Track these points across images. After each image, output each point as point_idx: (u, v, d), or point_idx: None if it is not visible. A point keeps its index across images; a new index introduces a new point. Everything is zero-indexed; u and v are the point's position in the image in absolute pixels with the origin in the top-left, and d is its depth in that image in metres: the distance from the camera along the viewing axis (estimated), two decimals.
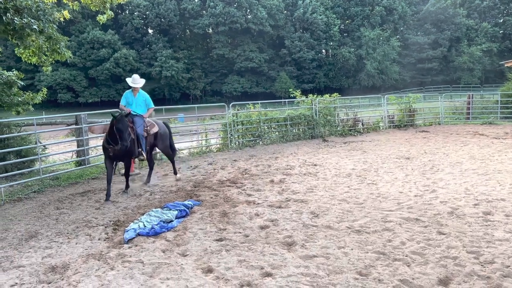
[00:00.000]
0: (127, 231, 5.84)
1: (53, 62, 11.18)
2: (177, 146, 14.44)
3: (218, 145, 14.71)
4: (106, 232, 5.98)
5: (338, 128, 17.70)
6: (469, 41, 69.62)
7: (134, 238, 5.67)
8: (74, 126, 11.23)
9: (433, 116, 21.54)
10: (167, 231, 5.98)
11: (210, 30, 67.19)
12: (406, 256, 4.88)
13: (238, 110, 16.09)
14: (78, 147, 11.16)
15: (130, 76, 8.92)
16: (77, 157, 11.32)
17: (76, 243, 5.57)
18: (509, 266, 4.52)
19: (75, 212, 7.15)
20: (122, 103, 8.63)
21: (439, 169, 9.79)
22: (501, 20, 71.74)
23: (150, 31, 66.44)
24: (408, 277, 4.35)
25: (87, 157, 10.85)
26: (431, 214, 6.44)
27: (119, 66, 57.90)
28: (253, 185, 8.84)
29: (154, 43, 62.59)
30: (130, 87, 8.81)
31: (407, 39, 69.78)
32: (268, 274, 4.47)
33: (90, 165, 10.85)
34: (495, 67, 66.16)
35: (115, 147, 7.65)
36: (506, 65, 33.84)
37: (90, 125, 11.38)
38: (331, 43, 69.80)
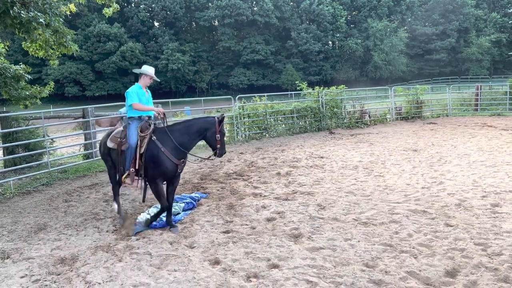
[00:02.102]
0: (137, 224, 5.89)
1: (60, 55, 11.21)
2: None
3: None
4: (114, 225, 6.03)
5: (345, 121, 17.62)
6: (478, 31, 68.72)
7: (142, 231, 5.72)
8: (81, 120, 11.29)
9: (441, 107, 21.35)
10: (175, 223, 6.01)
11: (216, 23, 66.99)
12: (413, 248, 4.87)
13: (244, 102, 16.06)
14: (85, 140, 11.23)
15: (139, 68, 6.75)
16: (84, 150, 11.40)
17: (85, 235, 5.63)
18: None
19: (83, 204, 7.22)
20: (134, 101, 6.08)
21: (446, 161, 9.72)
22: (511, 10, 70.66)
23: (156, 24, 66.39)
24: (415, 269, 4.34)
25: (95, 150, 10.92)
26: (439, 206, 6.41)
27: (126, 59, 58.02)
28: (259, 177, 8.85)
29: (160, 36, 62.58)
30: (136, 81, 7.06)
31: (414, 30, 69.01)
32: (275, 266, 4.48)
33: (97, 158, 10.91)
34: (504, 57, 65.39)
35: (210, 157, 6.27)
36: None
37: (97, 118, 11.44)
38: (338, 35, 69.30)
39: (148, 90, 6.37)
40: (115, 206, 6.28)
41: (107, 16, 11.54)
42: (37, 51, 10.48)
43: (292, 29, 65.64)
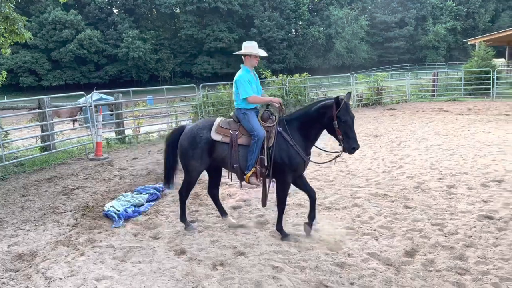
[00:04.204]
0: (109, 215, 5.75)
1: (12, 43, 10.65)
2: (146, 128, 14.29)
3: None
4: (75, 218, 5.85)
5: None
6: (434, 19, 70.93)
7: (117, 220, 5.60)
8: (37, 111, 10.81)
9: (400, 94, 22.00)
10: (139, 215, 5.91)
11: (178, 10, 65.55)
12: (374, 230, 5.04)
13: (208, 91, 15.92)
14: (42, 132, 10.78)
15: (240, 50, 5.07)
16: (41, 142, 10.95)
17: (44, 230, 5.43)
18: (471, 236, 4.74)
19: (42, 198, 6.95)
20: (250, 93, 4.88)
21: (405, 146, 10.06)
22: None
23: (115, 10, 64.15)
24: (376, 250, 4.49)
25: (53, 142, 10.51)
26: (398, 189, 6.64)
27: (84, 47, 55.82)
28: None
29: (119, 23, 60.53)
30: (240, 61, 5.21)
31: (374, 18, 70.36)
32: (241, 253, 4.51)
33: (55, 150, 10.52)
34: (459, 45, 67.92)
35: (338, 155, 4.88)
36: (469, 43, 34.82)
37: (54, 109, 11.00)
38: (301, 23, 69.53)
39: (255, 72, 5.18)
40: (190, 225, 5.29)
41: (62, 2, 11.05)
42: None
43: (255, 17, 65.29)
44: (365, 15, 68.73)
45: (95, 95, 13.32)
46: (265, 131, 4.75)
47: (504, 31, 30.87)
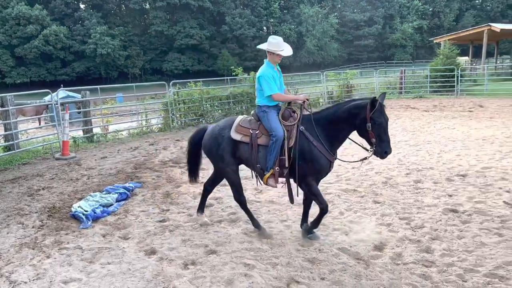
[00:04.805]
0: (77, 216, 5.59)
1: None
2: (115, 127, 14.00)
3: (159, 125, 14.36)
4: (40, 220, 5.66)
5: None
6: (402, 18, 72.69)
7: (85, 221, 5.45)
8: None
9: (369, 91, 22.42)
10: (108, 215, 5.79)
11: (147, 6, 64.43)
12: (344, 225, 5.12)
13: (179, 88, 15.73)
14: (5, 131, 10.38)
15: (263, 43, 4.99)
16: (4, 141, 10.54)
17: (8, 233, 5.23)
18: (436, 230, 4.89)
19: (5, 200, 6.68)
20: (275, 91, 4.68)
21: None
22: None
23: (82, 6, 62.42)
24: (346, 245, 4.57)
25: (16, 141, 10.14)
26: (367, 184, 6.77)
27: (49, 43, 54.03)
28: None
29: (87, 19, 58.91)
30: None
31: (344, 16, 71.41)
32: (213, 252, 4.49)
33: (20, 150, 10.15)
34: (425, 43, 69.94)
35: (367, 157, 4.63)
36: (435, 41, 35.86)
37: (18, 107, 10.60)
38: (272, 20, 69.79)
39: (279, 67, 4.95)
40: (264, 230, 4.95)
41: None
42: None
43: (227, 14, 65.00)
44: (335, 14, 69.67)
45: (61, 92, 12.95)
46: (285, 131, 4.51)
47: (467, 30, 32.00)
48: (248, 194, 6.49)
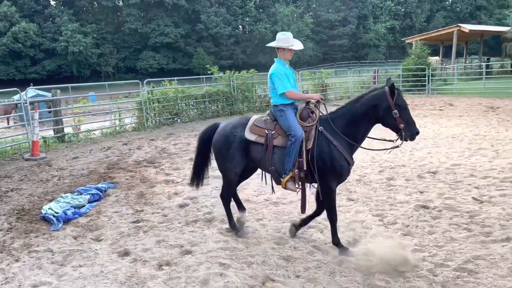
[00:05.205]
0: (47, 218, 5.43)
1: None
2: (88, 126, 13.70)
3: (133, 125, 14.13)
4: (9, 222, 5.48)
5: (256, 104, 17.93)
6: (375, 18, 74.00)
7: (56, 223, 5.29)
8: None
9: (343, 90, 22.73)
10: (80, 216, 5.65)
11: (120, 3, 63.30)
12: (319, 223, 5.16)
13: (153, 87, 15.53)
14: None
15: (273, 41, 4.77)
16: None
17: None
18: (408, 226, 5.00)
19: None
20: (288, 88, 4.48)
21: None
22: None
23: (53, 2, 60.74)
24: (321, 242, 4.62)
25: None
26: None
27: (18, 41, 52.33)
28: (171, 164, 8.67)
29: (58, 16, 57.32)
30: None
31: (319, 16, 72.09)
32: (188, 252, 4.45)
33: None
34: (397, 43, 71.39)
35: (397, 145, 4.36)
36: (407, 41, 36.66)
37: None
38: (248, 19, 69.73)
39: (290, 66, 4.78)
40: (242, 230, 4.89)
41: None
42: None
43: (202, 12, 64.52)
44: (310, 13, 70.24)
45: (31, 91, 12.57)
46: (303, 131, 4.31)
47: (438, 31, 32.90)
48: None
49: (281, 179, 4.40)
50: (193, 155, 9.26)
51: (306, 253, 4.35)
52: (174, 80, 16.06)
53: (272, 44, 4.71)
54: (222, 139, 4.64)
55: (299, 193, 4.49)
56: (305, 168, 4.25)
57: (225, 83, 17.15)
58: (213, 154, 4.88)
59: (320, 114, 4.44)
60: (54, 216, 5.45)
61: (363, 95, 4.38)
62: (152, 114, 14.56)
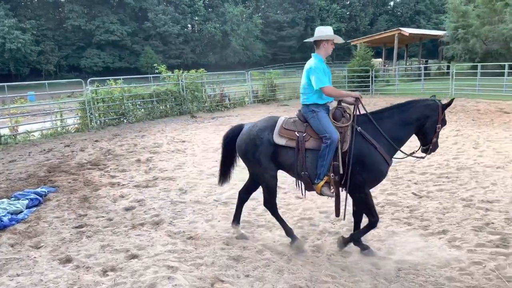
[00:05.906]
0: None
1: None
2: (26, 127, 12.93)
3: (76, 125, 13.53)
4: None
5: (206, 104, 17.81)
6: (322, 21, 75.95)
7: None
8: None
9: (292, 91, 23.12)
10: (17, 223, 5.32)
11: None
12: (268, 222, 5.21)
13: (98, 86, 14.97)
14: None
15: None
16: None
17: None
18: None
19: None
20: (326, 83, 4.20)
21: None
22: (348, 2, 79.45)
23: None
24: (270, 241, 4.66)
25: None
26: (291, 180, 6.94)
27: None
28: (117, 166, 8.40)
29: None
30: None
31: (268, 17, 72.88)
32: (134, 256, 4.32)
33: None
34: (343, 45, 73.63)
35: (422, 156, 4.48)
36: (352, 44, 37.98)
37: None
38: (197, 18, 69.03)
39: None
40: (297, 240, 4.49)
41: None
42: None
43: (149, 10, 63.01)
44: (259, 14, 70.83)
45: None
46: (338, 133, 4.07)
47: (380, 34, 34.37)
48: (172, 194, 6.38)
49: (314, 185, 4.17)
50: (140, 157, 9.11)
51: (255, 252, 4.37)
52: (120, 79, 15.56)
53: (311, 39, 4.47)
54: (248, 142, 4.35)
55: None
56: (341, 172, 4.03)
57: (174, 83, 16.88)
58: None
59: (356, 113, 4.21)
60: None
61: (411, 102, 4.25)
62: (96, 115, 14.03)
